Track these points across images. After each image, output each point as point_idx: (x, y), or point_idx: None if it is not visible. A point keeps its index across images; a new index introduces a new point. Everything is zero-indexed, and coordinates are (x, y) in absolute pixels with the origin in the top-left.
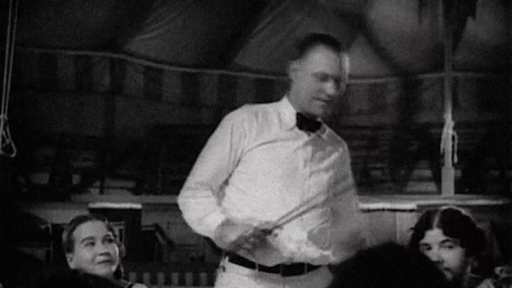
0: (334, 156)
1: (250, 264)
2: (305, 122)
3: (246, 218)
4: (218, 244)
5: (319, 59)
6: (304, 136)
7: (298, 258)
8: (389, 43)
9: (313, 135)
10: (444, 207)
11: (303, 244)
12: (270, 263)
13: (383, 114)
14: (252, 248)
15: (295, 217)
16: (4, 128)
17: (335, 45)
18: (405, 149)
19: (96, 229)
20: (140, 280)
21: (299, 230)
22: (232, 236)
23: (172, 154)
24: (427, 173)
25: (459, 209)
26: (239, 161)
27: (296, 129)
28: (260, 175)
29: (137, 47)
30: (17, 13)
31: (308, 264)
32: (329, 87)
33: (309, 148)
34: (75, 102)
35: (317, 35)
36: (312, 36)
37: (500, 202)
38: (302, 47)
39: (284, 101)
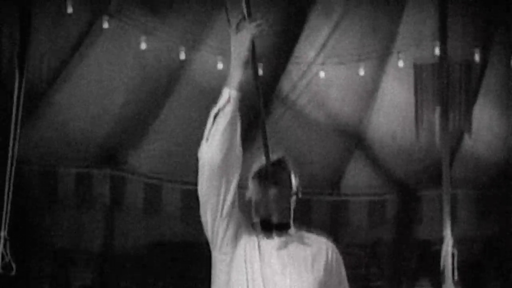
0: (319, 257)
1: None
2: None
3: None
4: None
5: None
6: (274, 241)
7: None
8: (387, 159)
9: (283, 238)
10: None
11: None
12: None
13: (382, 230)
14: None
15: None
16: (4, 246)
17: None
18: (405, 266)
19: None
20: None
21: None
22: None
23: (172, 270)
24: None
25: None
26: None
27: (264, 238)
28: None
29: (137, 163)
30: (18, 132)
31: None
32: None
33: (283, 253)
34: (75, 218)
35: None
36: None
37: None
38: None
39: None
